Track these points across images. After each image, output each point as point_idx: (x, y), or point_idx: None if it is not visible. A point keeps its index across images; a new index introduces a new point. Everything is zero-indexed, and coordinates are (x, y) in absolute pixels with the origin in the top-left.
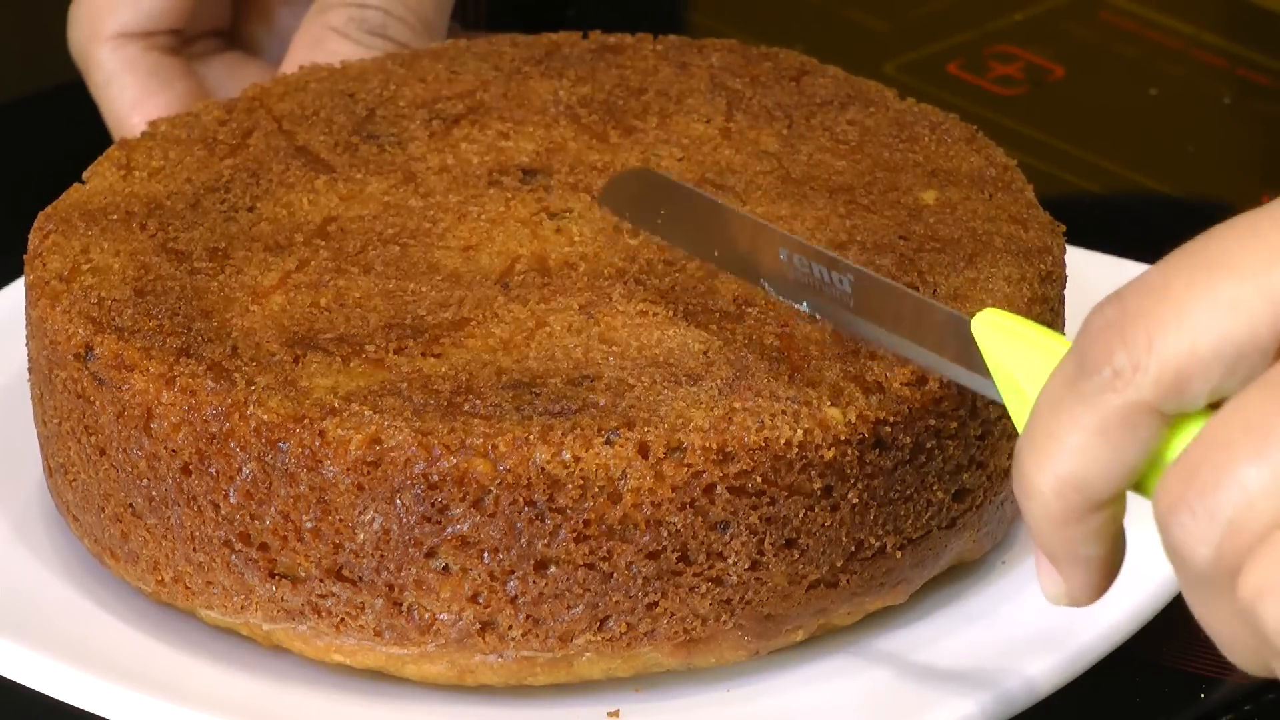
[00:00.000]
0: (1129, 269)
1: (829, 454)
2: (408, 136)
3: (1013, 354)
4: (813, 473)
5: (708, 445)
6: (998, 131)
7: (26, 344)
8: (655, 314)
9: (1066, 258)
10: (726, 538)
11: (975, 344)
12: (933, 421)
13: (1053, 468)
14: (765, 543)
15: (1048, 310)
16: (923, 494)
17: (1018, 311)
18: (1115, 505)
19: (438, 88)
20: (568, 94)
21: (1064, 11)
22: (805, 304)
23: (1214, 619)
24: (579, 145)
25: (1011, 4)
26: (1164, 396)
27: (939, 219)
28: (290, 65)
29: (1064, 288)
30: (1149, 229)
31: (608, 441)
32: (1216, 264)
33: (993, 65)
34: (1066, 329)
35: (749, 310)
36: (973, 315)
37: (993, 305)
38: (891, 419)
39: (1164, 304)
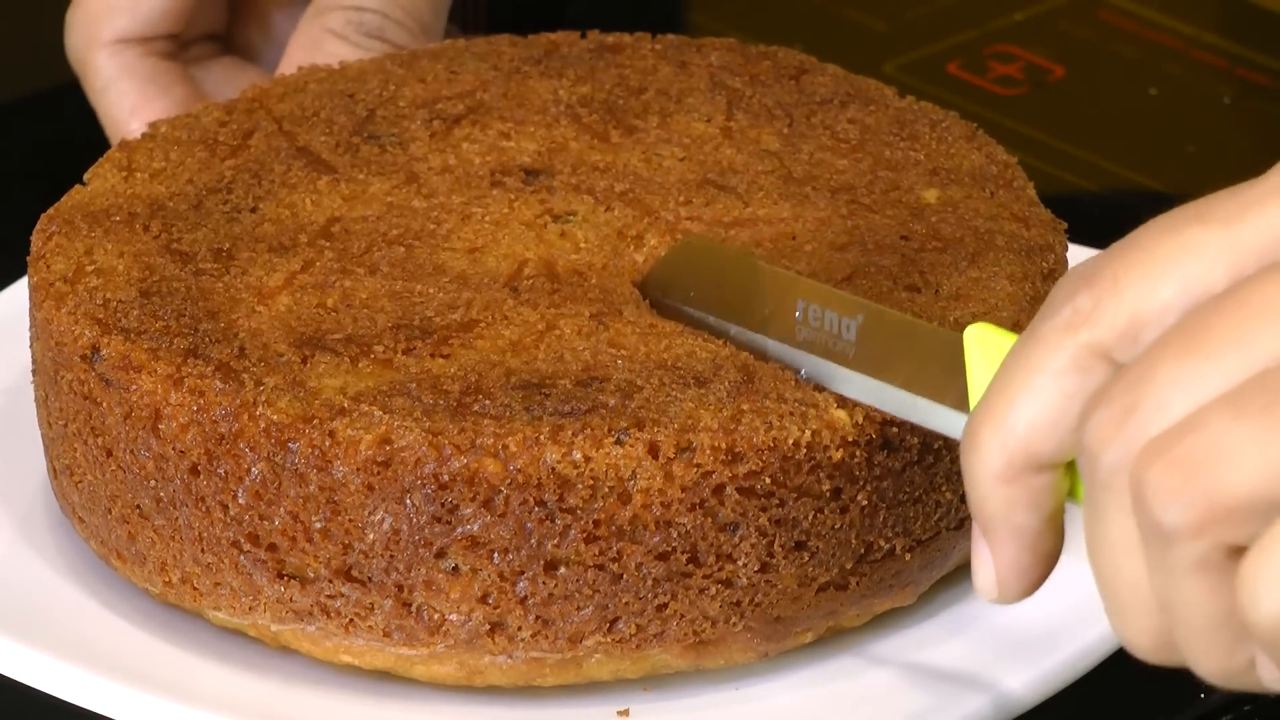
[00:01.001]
0: None
1: (837, 455)
2: (409, 137)
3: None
4: (821, 474)
5: (717, 445)
6: (998, 131)
7: (30, 345)
8: (665, 327)
9: (1069, 255)
10: (736, 539)
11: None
12: None
13: (999, 416)
14: (775, 545)
15: None
16: (931, 495)
17: (1021, 311)
18: (1058, 474)
19: (437, 88)
20: (568, 93)
21: (1064, 11)
22: (803, 371)
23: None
24: (580, 145)
25: (1011, 4)
26: (1120, 339)
27: (941, 218)
28: (288, 67)
29: None
30: None
31: (618, 441)
32: (1188, 216)
33: (993, 65)
34: None
35: None
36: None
37: (996, 304)
38: (899, 420)
39: (1131, 250)
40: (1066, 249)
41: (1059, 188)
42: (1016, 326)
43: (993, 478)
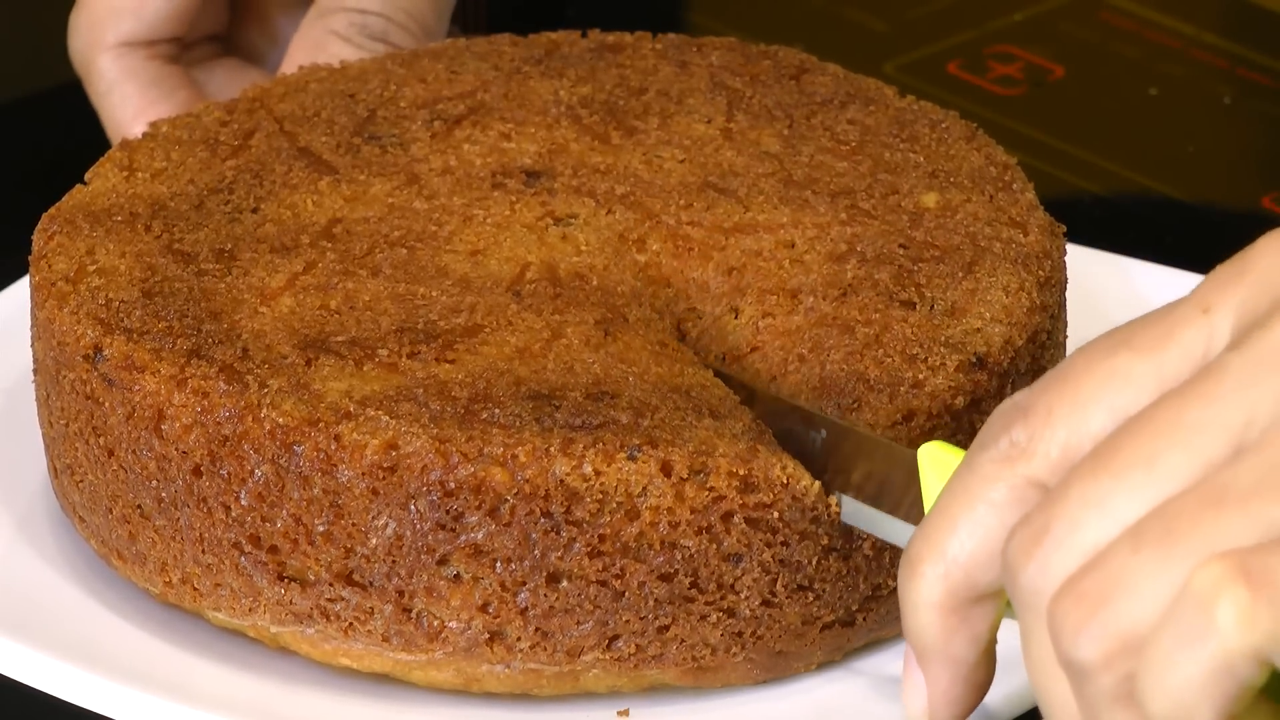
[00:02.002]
0: (1131, 267)
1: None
2: (410, 137)
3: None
4: (820, 529)
5: (734, 471)
6: (997, 131)
7: (32, 345)
8: (675, 348)
9: (1069, 258)
10: (739, 571)
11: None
12: None
13: (940, 545)
14: (778, 584)
15: (1048, 318)
16: None
17: (1014, 326)
18: (995, 604)
19: (438, 88)
20: (568, 94)
21: (1064, 11)
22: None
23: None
24: (581, 147)
25: (1011, 4)
26: (1055, 470)
27: (939, 224)
28: (290, 69)
29: (1064, 291)
30: (1149, 229)
31: (630, 457)
32: (1115, 343)
33: (992, 65)
34: (1069, 331)
35: (738, 365)
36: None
37: (992, 317)
38: None
39: (1063, 382)
40: (1064, 254)
41: (1059, 188)
42: (1008, 344)
43: (932, 606)
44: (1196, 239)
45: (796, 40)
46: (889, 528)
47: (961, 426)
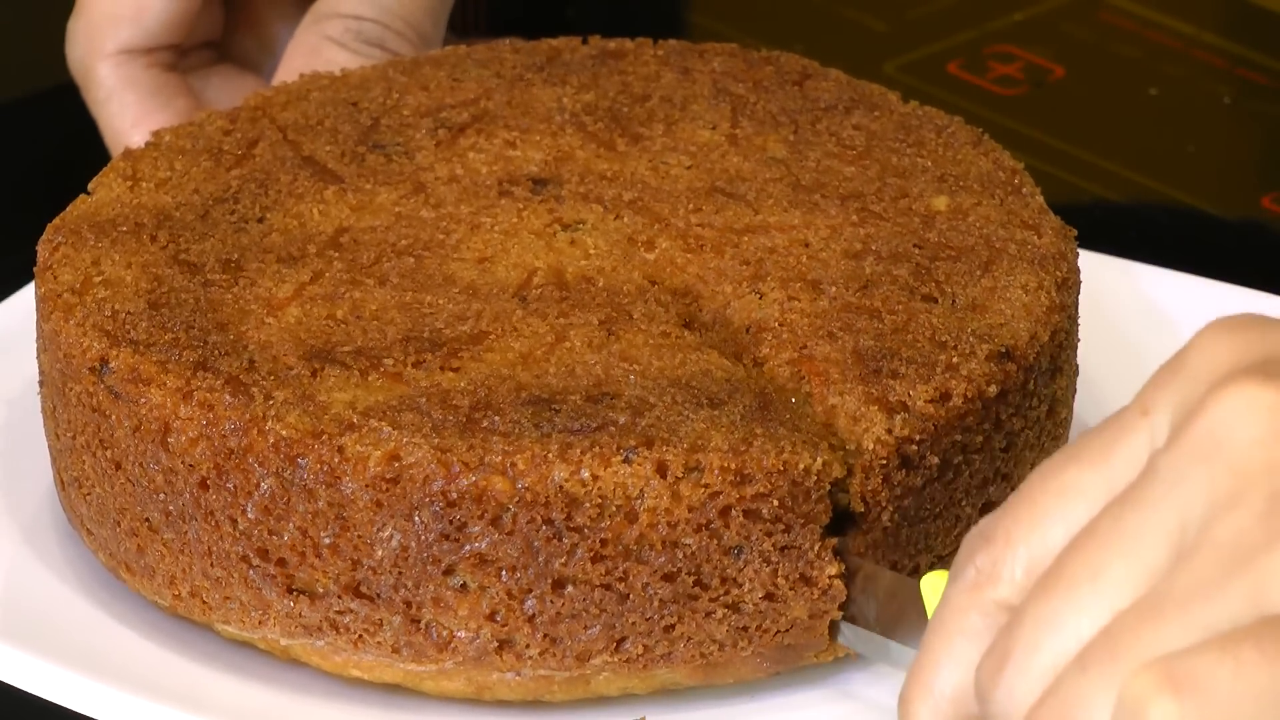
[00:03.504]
0: (1138, 271)
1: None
2: (414, 146)
3: None
4: (820, 510)
5: (726, 466)
6: (998, 132)
7: (38, 357)
8: (678, 336)
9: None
10: (740, 564)
11: None
12: (959, 437)
13: (928, 684)
14: (779, 575)
15: (1066, 318)
16: (952, 510)
17: (1038, 322)
18: None
19: (441, 96)
20: (571, 101)
21: (1064, 11)
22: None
23: None
24: (587, 154)
25: (1011, 4)
26: (1021, 591)
27: (951, 226)
28: (286, 74)
29: (1079, 293)
30: (1149, 229)
31: (626, 460)
32: (1066, 458)
33: (993, 65)
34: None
35: (764, 335)
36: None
37: (1013, 315)
38: (918, 437)
39: (1021, 503)
40: (1078, 256)
41: (1059, 188)
42: (1034, 339)
43: None
44: (1196, 239)
45: (797, 40)
46: (898, 655)
47: (989, 416)
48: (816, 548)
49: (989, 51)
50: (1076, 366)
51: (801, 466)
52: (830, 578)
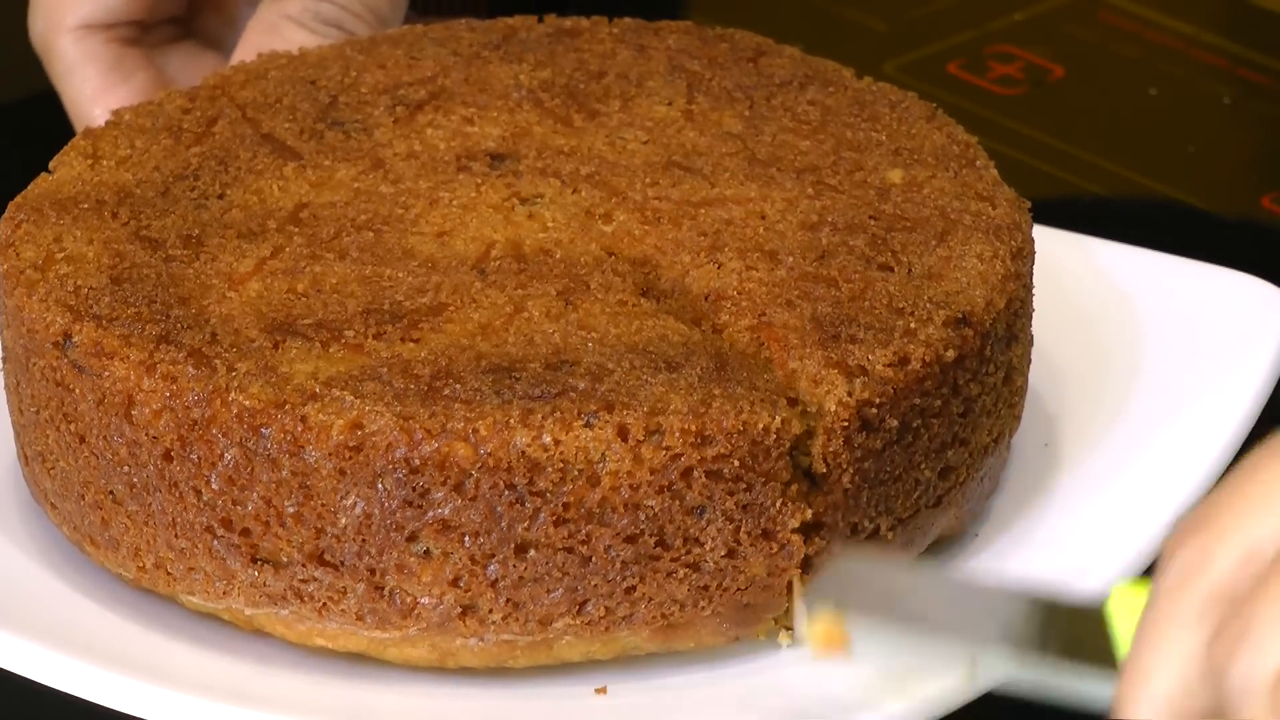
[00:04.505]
0: (1091, 244)
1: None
2: (373, 123)
3: None
4: (780, 467)
5: (686, 428)
6: (997, 131)
7: (0, 333)
8: (635, 304)
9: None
10: (703, 523)
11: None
12: (917, 401)
13: (1146, 673)
14: (741, 532)
15: (1021, 286)
16: (910, 473)
17: (994, 289)
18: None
19: (398, 74)
20: (528, 78)
21: (1064, 11)
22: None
23: None
24: (544, 130)
25: (1011, 4)
26: (1241, 577)
27: (907, 198)
28: (245, 52)
29: (1033, 264)
30: (1149, 229)
31: (587, 424)
32: (1271, 454)
33: (993, 65)
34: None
35: (723, 304)
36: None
37: (968, 283)
38: (878, 400)
39: (1226, 496)
40: (1032, 227)
41: (1059, 188)
42: (990, 305)
43: None
44: (1196, 239)
45: (796, 40)
46: (1094, 686)
47: (947, 381)
48: (779, 505)
49: (989, 51)
50: (1031, 336)
51: (761, 425)
52: (791, 532)
